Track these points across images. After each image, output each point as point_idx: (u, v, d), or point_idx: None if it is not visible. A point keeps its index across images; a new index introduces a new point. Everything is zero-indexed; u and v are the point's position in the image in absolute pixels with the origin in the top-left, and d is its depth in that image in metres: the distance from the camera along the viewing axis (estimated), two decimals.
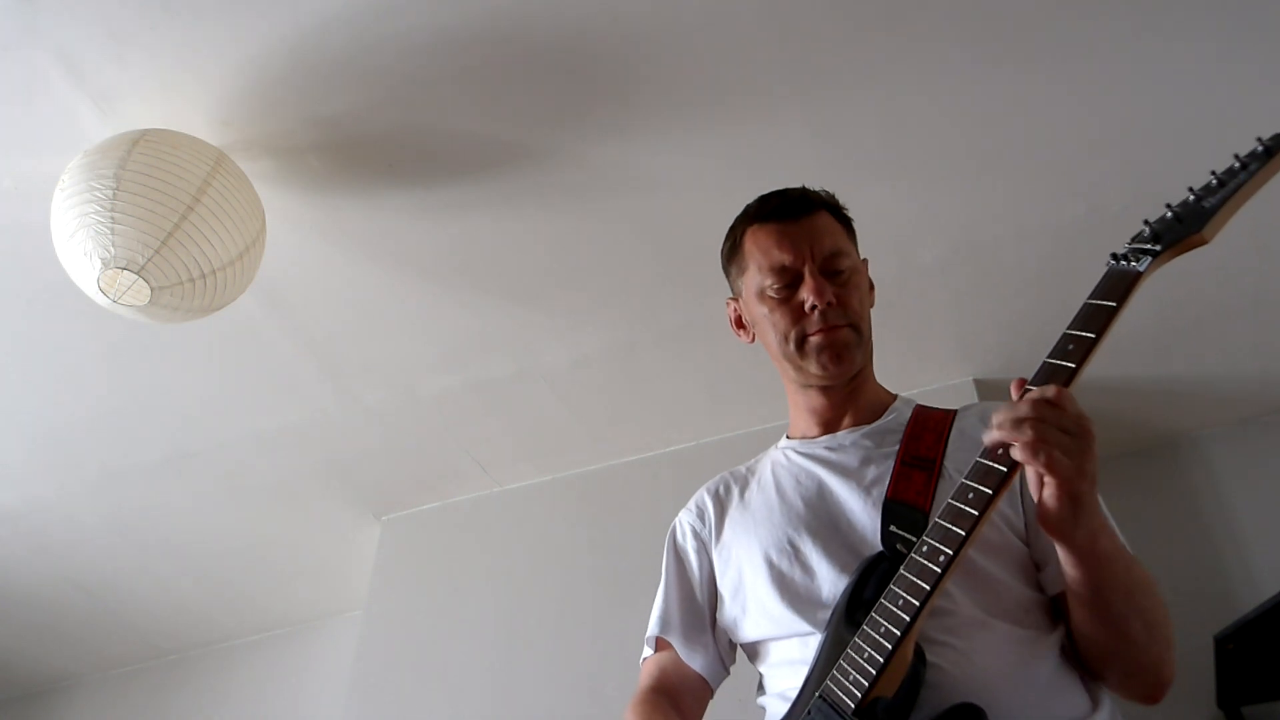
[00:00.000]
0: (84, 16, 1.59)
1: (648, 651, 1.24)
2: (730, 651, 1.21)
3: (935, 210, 2.01)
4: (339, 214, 1.95)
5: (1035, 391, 0.84)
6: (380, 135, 1.81)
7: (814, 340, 1.14)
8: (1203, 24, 1.69)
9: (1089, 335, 0.85)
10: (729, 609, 1.17)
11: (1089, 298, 0.89)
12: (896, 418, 1.19)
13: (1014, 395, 0.89)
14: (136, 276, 1.63)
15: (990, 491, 0.85)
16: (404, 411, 2.46)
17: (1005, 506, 1.05)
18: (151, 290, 1.66)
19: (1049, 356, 0.87)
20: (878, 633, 0.89)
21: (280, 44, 1.65)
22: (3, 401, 2.33)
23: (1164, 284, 2.34)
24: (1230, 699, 2.10)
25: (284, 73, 1.69)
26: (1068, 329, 0.88)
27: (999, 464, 0.85)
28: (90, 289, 1.66)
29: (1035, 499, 0.88)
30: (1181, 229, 0.86)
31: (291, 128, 1.78)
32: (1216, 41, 1.71)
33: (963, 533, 0.85)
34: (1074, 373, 0.84)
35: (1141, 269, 0.87)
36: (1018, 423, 0.82)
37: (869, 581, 0.98)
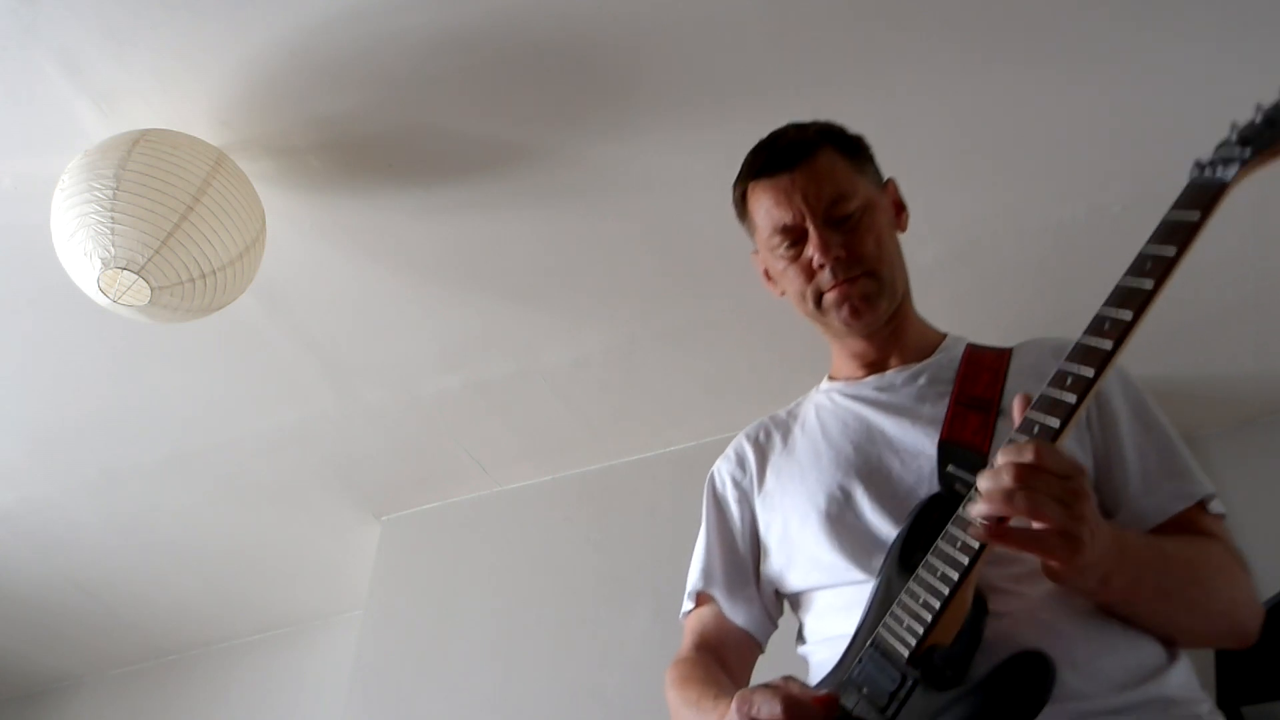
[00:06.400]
0: (84, 16, 1.59)
1: (688, 606, 1.17)
2: (776, 605, 1.15)
3: (935, 210, 2.01)
4: (339, 214, 1.95)
5: (1012, 451, 0.77)
6: (380, 135, 1.81)
7: (830, 297, 1.09)
8: (1204, 23, 1.69)
9: (1168, 251, 0.78)
10: (775, 559, 1.11)
11: (1170, 210, 0.81)
12: (947, 355, 1.13)
13: (1016, 414, 0.83)
14: (136, 276, 1.63)
15: (1056, 427, 0.79)
16: (404, 411, 2.46)
17: (1074, 445, 0.98)
18: (151, 290, 1.66)
19: (1126, 274, 0.80)
20: (934, 577, 0.83)
21: (280, 44, 1.65)
22: (3, 401, 2.33)
23: None
24: (1230, 699, 2.10)
25: (284, 73, 1.69)
26: (1145, 247, 0.80)
27: (1067, 393, 0.79)
28: (90, 289, 1.66)
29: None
30: (1273, 133, 0.79)
31: (291, 128, 1.78)
32: (1217, 40, 1.71)
33: (1057, 424, 0.79)
34: (1152, 294, 0.77)
35: (1228, 178, 0.79)
36: (1008, 495, 0.75)
37: (925, 524, 0.91)
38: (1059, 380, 0.80)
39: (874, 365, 1.16)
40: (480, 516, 2.74)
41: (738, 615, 1.13)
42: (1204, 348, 2.38)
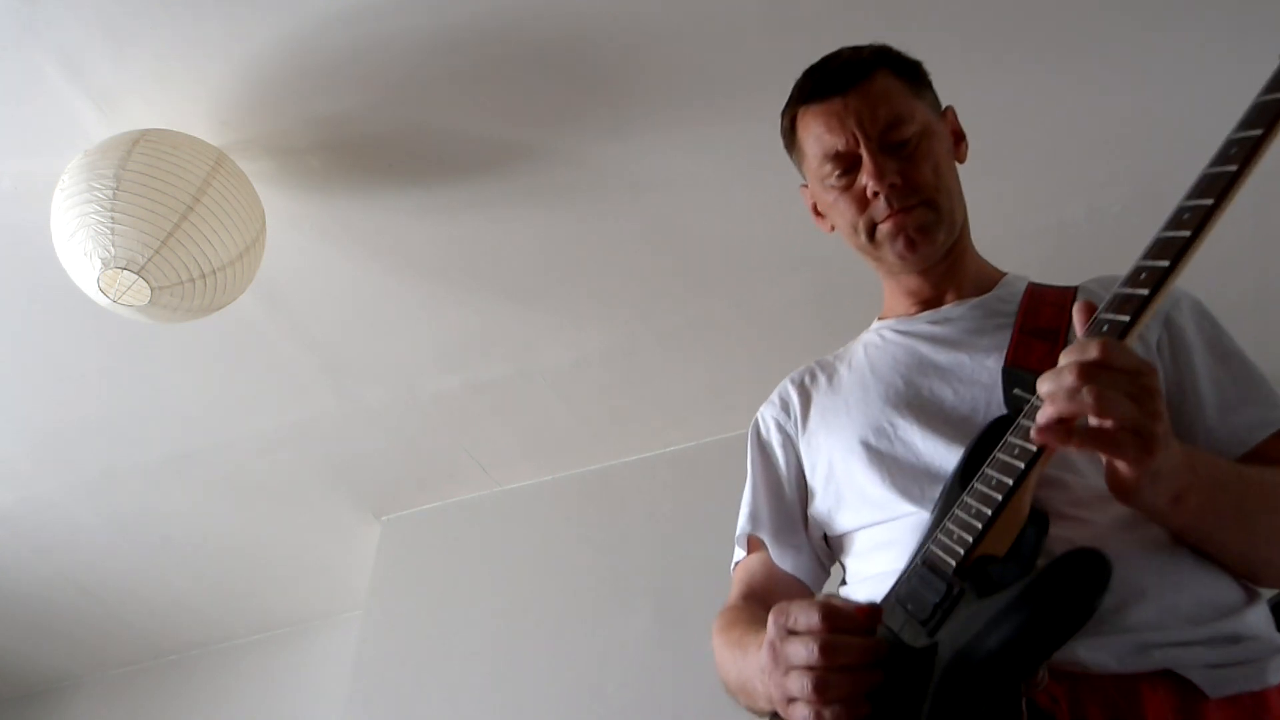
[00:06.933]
0: (84, 16, 1.59)
1: (739, 554, 1.12)
2: (828, 552, 1.08)
3: None
4: (339, 214, 1.95)
5: (1075, 350, 0.71)
6: (380, 135, 1.81)
7: (884, 228, 1.03)
8: (1204, 23, 1.69)
9: (1255, 132, 0.73)
10: (822, 499, 1.05)
11: (1258, 96, 0.76)
12: (1009, 290, 1.07)
13: (1078, 322, 0.77)
14: (136, 276, 1.63)
15: (1127, 321, 0.73)
16: (404, 411, 2.46)
17: None
18: (151, 290, 1.66)
19: (1210, 165, 0.74)
20: (988, 486, 0.77)
21: (280, 44, 1.65)
22: (3, 401, 2.33)
23: None
24: None
25: (284, 73, 1.69)
26: (1231, 134, 0.75)
27: (1139, 288, 0.73)
28: (90, 289, 1.66)
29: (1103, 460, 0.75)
30: None
31: (291, 128, 1.78)
32: (1217, 41, 1.71)
33: (1126, 319, 0.73)
34: (1237, 176, 0.71)
35: None
36: (1072, 393, 0.69)
37: (988, 448, 0.82)
38: (1132, 277, 0.74)
39: (929, 303, 1.09)
40: (480, 516, 2.74)
41: (786, 561, 1.07)
42: None
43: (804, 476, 1.10)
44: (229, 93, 1.72)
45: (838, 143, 1.03)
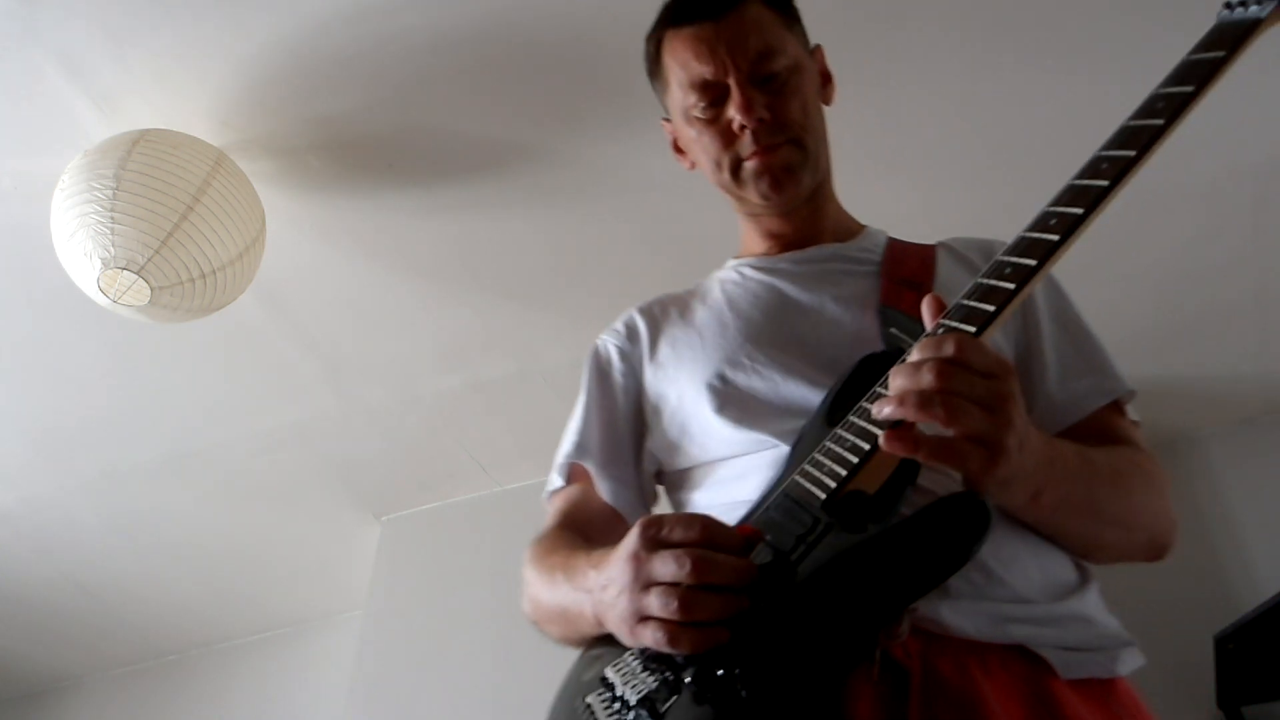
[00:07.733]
0: (84, 16, 1.59)
1: (556, 483, 1.06)
2: (653, 489, 1.05)
3: (936, 209, 2.01)
4: (339, 214, 1.95)
5: (931, 345, 0.67)
6: (380, 135, 1.81)
7: (749, 166, 0.99)
8: (1204, 24, 1.69)
9: (1186, 89, 0.71)
10: (666, 432, 1.00)
11: (1188, 54, 0.72)
12: (871, 241, 1.06)
13: (927, 316, 0.73)
14: (136, 276, 1.63)
15: (1012, 288, 0.70)
16: (404, 411, 2.46)
17: (997, 336, 0.87)
18: (151, 290, 1.66)
19: (1131, 117, 0.72)
20: (865, 420, 0.73)
21: (280, 44, 1.65)
22: (3, 401, 2.33)
23: (1163, 282, 2.34)
24: (1230, 699, 2.10)
25: (284, 73, 1.69)
26: (1156, 89, 0.72)
27: (1049, 234, 0.71)
28: (90, 289, 1.66)
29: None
30: None
31: (291, 128, 1.79)
32: None
33: (991, 309, 0.69)
34: (1162, 130, 0.69)
35: (1264, 15, 0.72)
36: (924, 399, 0.65)
37: (859, 385, 0.79)
38: (1040, 221, 0.72)
39: (790, 246, 1.06)
40: (480, 516, 2.74)
41: (608, 493, 1.01)
42: (1204, 348, 2.38)
43: (642, 409, 1.04)
44: (229, 93, 1.72)
45: (705, 71, 0.98)
